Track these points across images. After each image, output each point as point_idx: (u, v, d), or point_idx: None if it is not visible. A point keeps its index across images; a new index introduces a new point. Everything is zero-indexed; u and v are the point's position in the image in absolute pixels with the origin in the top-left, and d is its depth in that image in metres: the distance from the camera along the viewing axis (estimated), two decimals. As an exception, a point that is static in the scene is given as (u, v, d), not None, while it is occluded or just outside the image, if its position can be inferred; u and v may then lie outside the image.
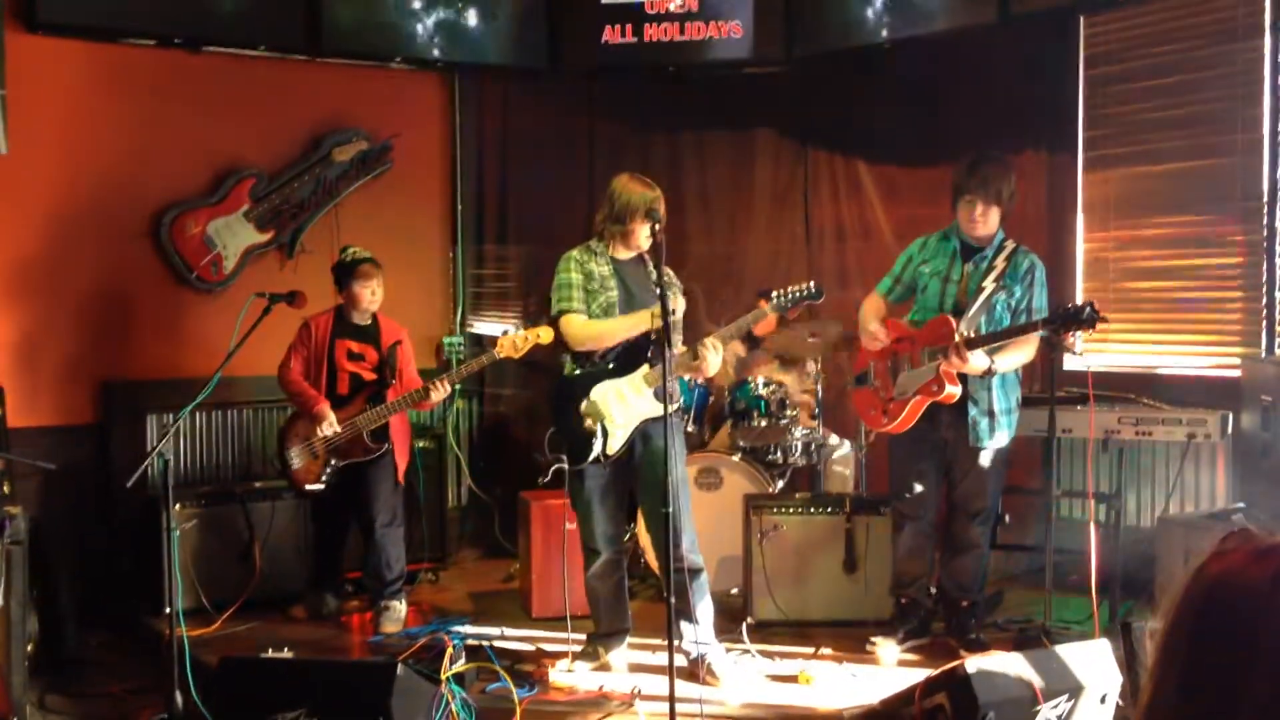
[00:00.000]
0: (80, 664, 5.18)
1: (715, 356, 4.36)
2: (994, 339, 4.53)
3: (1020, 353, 4.65)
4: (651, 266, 4.42)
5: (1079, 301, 4.45)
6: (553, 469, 4.49)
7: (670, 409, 4.49)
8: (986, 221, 4.67)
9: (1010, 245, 4.74)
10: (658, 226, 4.36)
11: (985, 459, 4.69)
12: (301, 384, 5.36)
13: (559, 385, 4.61)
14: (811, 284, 4.39)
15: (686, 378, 4.64)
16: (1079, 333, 4.41)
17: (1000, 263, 4.67)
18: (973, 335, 4.53)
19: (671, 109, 7.19)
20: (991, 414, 4.65)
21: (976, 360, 4.49)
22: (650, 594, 5.67)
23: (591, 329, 4.47)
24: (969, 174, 4.65)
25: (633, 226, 4.36)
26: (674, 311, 4.50)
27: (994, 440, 4.67)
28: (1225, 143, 5.43)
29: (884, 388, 4.77)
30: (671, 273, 4.64)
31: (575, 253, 4.56)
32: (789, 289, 4.35)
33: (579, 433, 4.45)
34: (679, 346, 4.50)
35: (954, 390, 4.55)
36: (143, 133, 6.22)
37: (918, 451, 4.79)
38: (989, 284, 4.61)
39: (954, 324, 4.53)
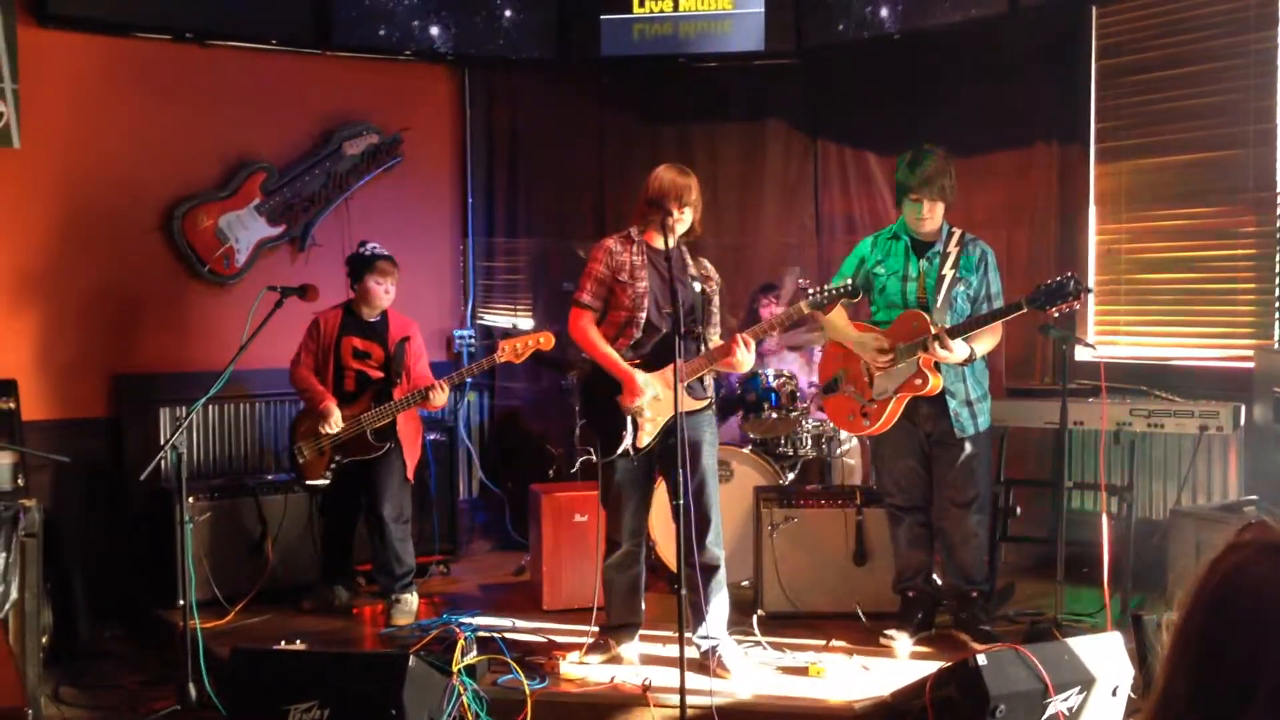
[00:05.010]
0: (94, 656, 5.21)
1: (747, 354, 4.34)
2: (977, 324, 4.52)
3: (994, 336, 4.69)
4: (672, 255, 4.35)
5: (1060, 277, 4.39)
6: (580, 460, 4.48)
7: (703, 405, 4.49)
8: (933, 217, 4.68)
9: (958, 233, 4.74)
10: (687, 214, 4.40)
11: (969, 447, 4.69)
12: (310, 381, 5.36)
13: (589, 377, 4.60)
14: (849, 281, 4.40)
15: (708, 375, 4.60)
16: (1065, 308, 4.37)
17: (953, 249, 4.68)
18: (950, 325, 4.53)
19: (681, 101, 7.18)
20: (969, 403, 4.68)
21: (960, 349, 4.49)
22: (663, 586, 5.67)
23: (588, 339, 4.48)
24: (910, 173, 4.62)
25: (669, 210, 4.35)
26: (711, 301, 4.52)
27: (975, 428, 4.70)
28: (1238, 134, 5.42)
29: (860, 391, 4.75)
30: (709, 265, 4.63)
31: (611, 241, 4.55)
32: (826, 286, 4.35)
33: (609, 425, 4.45)
34: (715, 340, 4.50)
35: (937, 382, 4.56)
36: (154, 126, 6.23)
37: (902, 449, 4.80)
38: (948, 272, 4.64)
39: (926, 317, 4.54)
